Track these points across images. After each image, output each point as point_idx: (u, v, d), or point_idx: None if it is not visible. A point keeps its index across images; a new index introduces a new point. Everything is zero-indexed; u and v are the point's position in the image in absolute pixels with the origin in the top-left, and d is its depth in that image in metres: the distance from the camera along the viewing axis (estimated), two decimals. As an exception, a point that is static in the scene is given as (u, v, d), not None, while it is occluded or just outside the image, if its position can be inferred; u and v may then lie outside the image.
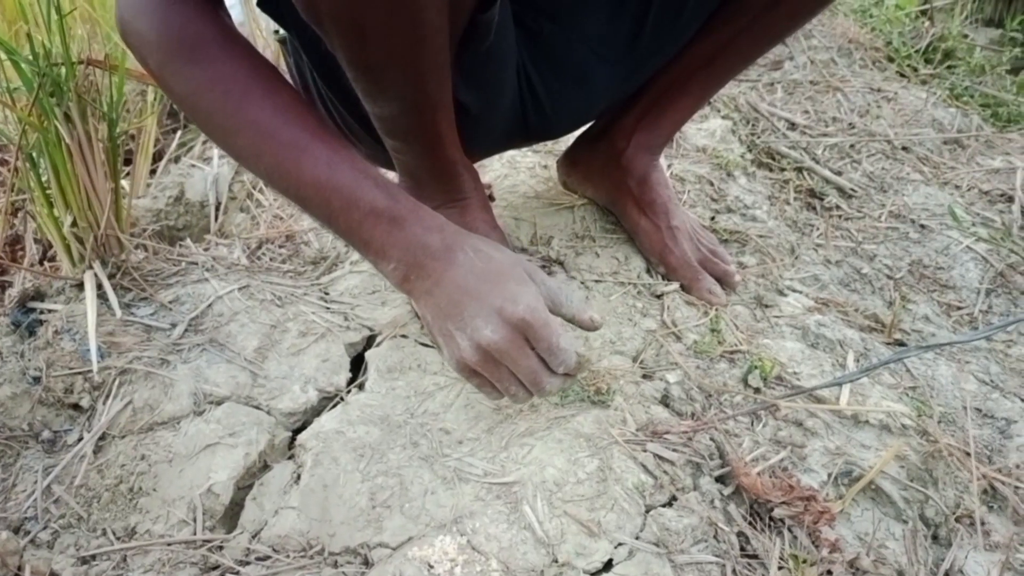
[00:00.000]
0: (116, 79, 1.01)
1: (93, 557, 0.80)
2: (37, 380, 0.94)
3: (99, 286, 1.04)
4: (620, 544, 0.80)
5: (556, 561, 0.79)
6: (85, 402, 0.93)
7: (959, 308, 1.33)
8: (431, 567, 0.77)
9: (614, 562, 0.79)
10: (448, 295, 0.81)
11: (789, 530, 0.84)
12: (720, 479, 0.89)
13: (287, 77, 0.88)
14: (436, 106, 0.88)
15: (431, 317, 0.83)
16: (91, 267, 1.05)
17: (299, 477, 0.86)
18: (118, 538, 0.81)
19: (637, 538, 0.81)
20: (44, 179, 1.03)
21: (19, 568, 0.78)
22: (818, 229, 1.45)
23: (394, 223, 0.80)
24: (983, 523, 0.89)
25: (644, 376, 1.01)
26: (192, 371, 0.95)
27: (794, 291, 1.26)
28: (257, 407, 0.94)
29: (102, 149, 1.02)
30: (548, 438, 0.90)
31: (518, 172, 1.45)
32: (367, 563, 0.79)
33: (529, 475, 0.86)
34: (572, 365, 0.82)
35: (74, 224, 1.04)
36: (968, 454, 0.96)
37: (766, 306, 1.20)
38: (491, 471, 0.87)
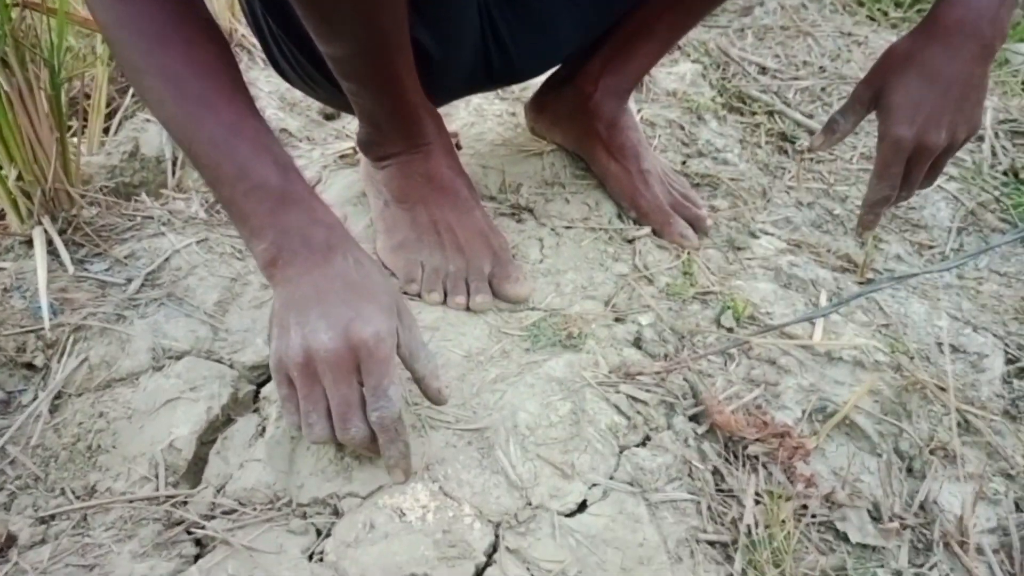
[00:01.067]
0: (56, 23, 0.96)
1: (52, 517, 0.77)
2: (-13, 340, 0.90)
3: (49, 242, 1.00)
4: (594, 485, 0.79)
5: (530, 504, 0.77)
6: (39, 361, 0.90)
7: (931, 247, 1.32)
8: (403, 514, 0.75)
9: (588, 503, 0.78)
10: (307, 290, 0.75)
11: (764, 467, 0.84)
12: (694, 418, 0.88)
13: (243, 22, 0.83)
14: (393, 47, 0.84)
15: (279, 305, 0.76)
16: (40, 223, 1.00)
17: (264, 430, 0.84)
18: (77, 497, 0.79)
19: (611, 478, 0.80)
20: (-15, 131, 0.98)
21: (-27, 530, 0.75)
22: (789, 172, 1.43)
23: (281, 204, 0.75)
24: (958, 455, 0.89)
25: (616, 320, 1.00)
26: (150, 326, 0.92)
27: (766, 233, 1.25)
28: (219, 361, 0.91)
29: (45, 98, 0.97)
30: (520, 383, 0.89)
31: (485, 120, 1.41)
32: (337, 513, 0.77)
33: (501, 420, 0.84)
34: (386, 423, 0.72)
35: (20, 178, 0.99)
36: (943, 388, 0.96)
37: (738, 248, 1.19)
38: (462, 417, 0.85)
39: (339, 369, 0.72)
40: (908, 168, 0.89)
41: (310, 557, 0.73)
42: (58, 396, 0.87)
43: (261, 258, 0.78)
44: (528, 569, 0.72)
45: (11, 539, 0.75)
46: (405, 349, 0.77)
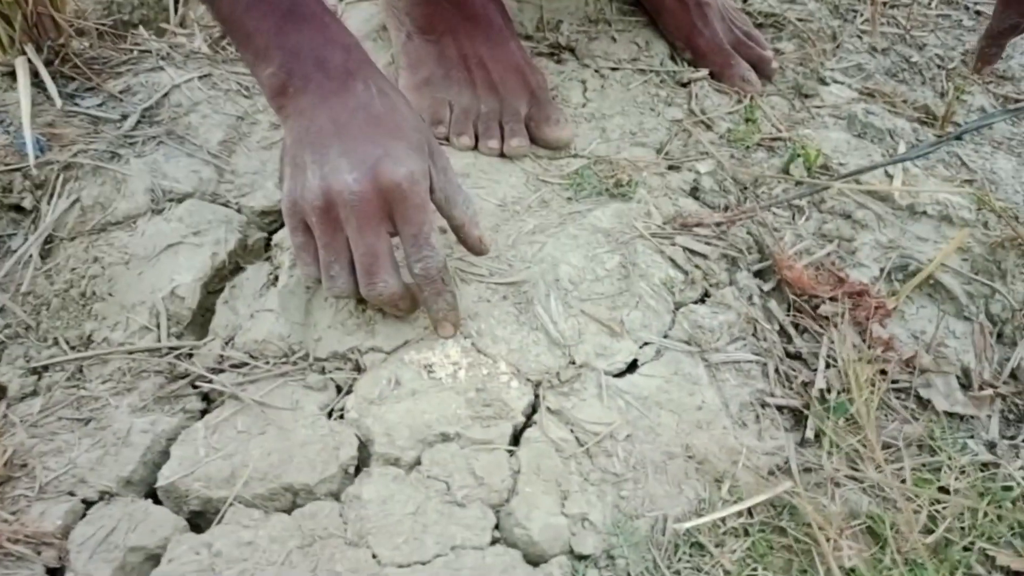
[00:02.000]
0: None
1: (45, 368, 0.70)
2: (-31, 179, 0.81)
3: (35, 74, 0.89)
4: (646, 343, 0.70)
5: (573, 362, 0.69)
6: (27, 202, 0.80)
7: (1017, 100, 1.18)
8: (431, 371, 0.67)
9: (639, 363, 0.69)
10: (324, 122, 0.64)
11: (837, 328, 0.74)
12: (759, 274, 0.78)
13: None
14: None
15: (291, 141, 0.66)
16: (23, 52, 0.89)
17: (276, 279, 0.75)
18: (72, 347, 0.71)
19: (665, 337, 0.71)
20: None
21: (-40, 381, 0.68)
22: (862, 15, 1.27)
23: (289, 19, 0.64)
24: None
25: (670, 168, 0.88)
26: (148, 166, 0.82)
27: (836, 81, 1.11)
28: (225, 204, 0.81)
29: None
30: (561, 234, 0.79)
31: (520, -50, 1.25)
32: (358, 368, 0.69)
33: (541, 274, 0.75)
34: (432, 273, 0.64)
35: (-3, 1, 0.87)
36: (1038, 246, 0.85)
37: (806, 96, 1.06)
38: (496, 270, 0.76)
39: (366, 215, 0.62)
40: None
41: (329, 414, 0.66)
42: (49, 240, 0.78)
43: (269, 86, 0.67)
44: (572, 431, 0.64)
45: (1, 390, 0.68)
46: (440, 193, 0.67)
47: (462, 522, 0.56)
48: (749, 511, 0.61)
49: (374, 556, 0.54)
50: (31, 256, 0.76)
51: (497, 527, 0.57)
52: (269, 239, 0.81)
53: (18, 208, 0.81)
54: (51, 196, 0.80)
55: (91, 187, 0.80)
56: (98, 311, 0.73)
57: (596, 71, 1.02)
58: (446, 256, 0.66)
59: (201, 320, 0.74)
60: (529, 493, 0.59)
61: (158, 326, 0.71)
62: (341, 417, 0.65)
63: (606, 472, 0.61)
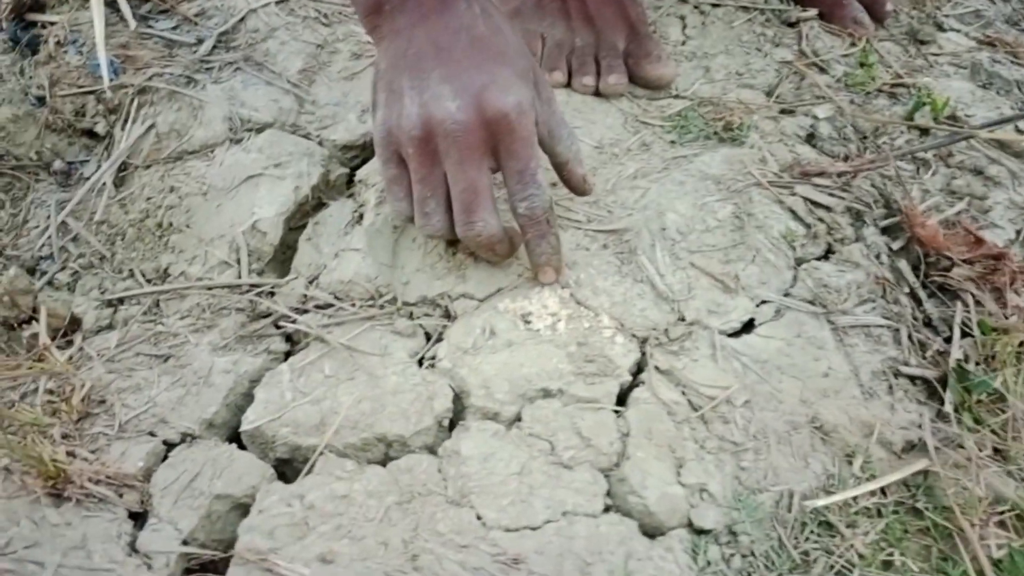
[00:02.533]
0: None
1: (120, 301, 0.66)
2: (41, 101, 0.77)
3: (108, -7, 0.84)
4: (764, 302, 0.64)
5: (683, 319, 0.63)
6: (100, 128, 0.77)
7: None
8: (528, 321, 0.62)
9: (756, 322, 0.63)
10: (423, 44, 0.58)
11: (971, 294, 0.67)
12: (886, 231, 0.71)
13: None
14: None
15: (386, 65, 0.60)
16: (96, -31, 0.84)
17: (361, 217, 0.70)
18: (148, 280, 0.68)
19: (786, 295, 0.64)
20: None
21: (34, 310, 0.65)
22: (983, -43, 1.16)
23: None
24: None
25: (783, 112, 0.81)
26: (225, 92, 0.77)
27: (952, 28, 1.02)
28: (306, 136, 0.76)
29: None
30: (666, 180, 0.72)
31: None
32: (448, 315, 0.64)
33: (644, 221, 0.69)
34: (537, 214, 0.59)
35: (68, -88, 0.82)
36: None
37: (922, 42, 0.97)
38: (595, 216, 0.70)
39: (468, 147, 0.57)
40: None
41: (420, 362, 0.61)
42: (123, 167, 0.74)
43: (362, 3, 0.61)
44: (684, 393, 0.58)
45: (75, 322, 0.65)
46: (544, 127, 0.61)
47: (571, 486, 0.52)
48: (882, 490, 0.55)
49: (479, 518, 0.49)
50: (105, 184, 0.73)
51: (608, 493, 0.52)
52: (352, 175, 0.76)
53: (91, 133, 0.78)
54: (125, 121, 0.76)
55: (167, 113, 0.76)
56: (175, 243, 0.69)
57: (696, 7, 0.94)
58: (552, 196, 0.61)
59: (282, 257, 0.70)
60: (641, 458, 0.54)
61: (238, 261, 0.67)
62: (432, 366, 0.61)
63: (724, 440, 0.56)
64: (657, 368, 0.60)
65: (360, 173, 0.74)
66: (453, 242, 0.67)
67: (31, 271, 0.70)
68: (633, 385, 0.60)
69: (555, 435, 0.55)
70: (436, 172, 0.59)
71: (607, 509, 0.51)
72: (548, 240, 0.61)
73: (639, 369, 0.61)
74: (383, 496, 0.50)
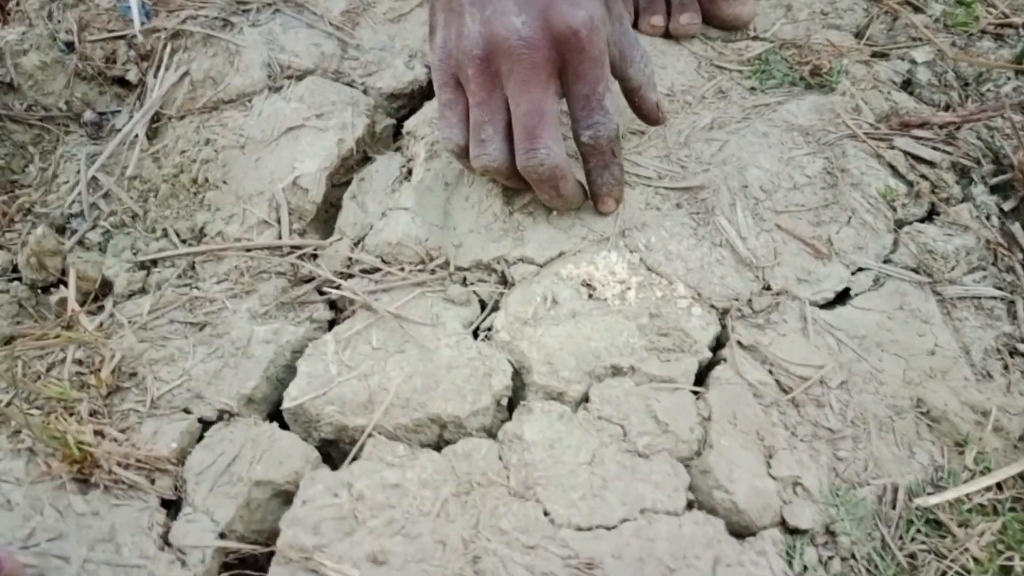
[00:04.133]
0: None
1: (154, 263, 0.62)
2: (70, 47, 0.72)
3: (137, -71, 0.78)
4: (861, 269, 0.57)
5: (768, 288, 0.56)
6: (132, 75, 0.71)
7: None
8: (592, 288, 0.56)
9: (852, 292, 0.56)
10: None
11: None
12: (996, 189, 0.63)
13: None
14: None
15: None
16: (124, -98, 0.78)
17: (409, 173, 0.64)
18: (183, 240, 0.63)
19: (886, 262, 0.57)
20: None
21: (63, 273, 0.61)
22: None
23: None
24: None
25: (876, 55, 0.73)
26: (263, 36, 0.71)
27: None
28: (350, 84, 0.70)
29: None
30: (746, 131, 0.65)
31: None
32: (505, 282, 0.58)
33: (723, 178, 0.62)
34: (602, 143, 0.54)
35: None
36: None
37: (1028, -22, 0.86)
38: (666, 173, 0.63)
39: (533, 67, 0.51)
40: None
41: (474, 333, 0.56)
42: (156, 118, 0.69)
43: None
44: (771, 373, 0.52)
45: (106, 285, 0.60)
46: (615, 48, 0.54)
47: (649, 478, 0.46)
48: (998, 485, 0.49)
49: (546, 514, 0.44)
50: (137, 136, 0.68)
51: (689, 487, 0.47)
52: (399, 127, 0.70)
53: (122, 82, 0.73)
54: (158, 68, 0.71)
55: (201, 59, 0.70)
56: (211, 200, 0.64)
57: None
58: (619, 124, 0.55)
59: (325, 216, 0.64)
60: (725, 447, 0.48)
61: (278, 221, 0.62)
62: (487, 338, 0.55)
63: (818, 426, 0.50)
64: (740, 343, 0.54)
65: (408, 124, 0.68)
66: (510, 200, 0.61)
67: (60, 230, 0.66)
68: (713, 363, 0.54)
69: (627, 419, 0.49)
70: (496, 96, 0.53)
71: (690, 505, 0.46)
72: (611, 171, 0.56)
73: (719, 344, 0.55)
74: (439, 486, 0.45)
